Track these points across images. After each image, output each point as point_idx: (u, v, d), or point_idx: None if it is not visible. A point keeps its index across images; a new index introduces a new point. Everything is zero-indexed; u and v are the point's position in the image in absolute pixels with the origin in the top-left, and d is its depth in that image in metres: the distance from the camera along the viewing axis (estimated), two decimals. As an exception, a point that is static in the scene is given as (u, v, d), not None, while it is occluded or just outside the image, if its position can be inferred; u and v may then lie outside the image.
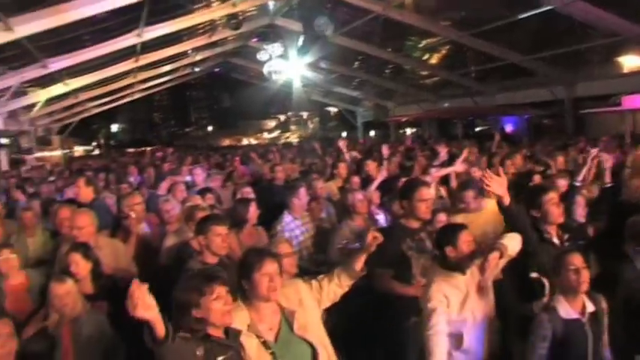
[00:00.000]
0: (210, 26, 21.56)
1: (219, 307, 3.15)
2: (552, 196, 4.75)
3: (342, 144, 11.52)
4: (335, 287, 3.92)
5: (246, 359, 3.35)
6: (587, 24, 15.31)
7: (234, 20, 18.94)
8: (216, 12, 18.74)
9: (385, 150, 9.84)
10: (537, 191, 4.91)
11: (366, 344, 5.43)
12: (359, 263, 3.91)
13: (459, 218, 5.92)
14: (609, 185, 6.95)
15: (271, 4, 20.33)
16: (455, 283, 4.14)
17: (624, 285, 4.53)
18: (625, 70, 17.66)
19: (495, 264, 4.05)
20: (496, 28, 16.93)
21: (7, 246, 5.46)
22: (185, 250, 5.12)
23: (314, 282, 3.95)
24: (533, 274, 4.36)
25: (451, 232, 4.25)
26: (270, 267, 3.51)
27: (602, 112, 19.46)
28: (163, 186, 9.02)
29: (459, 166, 7.95)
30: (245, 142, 72.70)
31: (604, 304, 4.05)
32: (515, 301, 4.61)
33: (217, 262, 4.64)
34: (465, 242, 4.15)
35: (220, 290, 3.17)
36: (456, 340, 4.10)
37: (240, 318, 3.44)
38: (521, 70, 20.18)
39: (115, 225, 6.74)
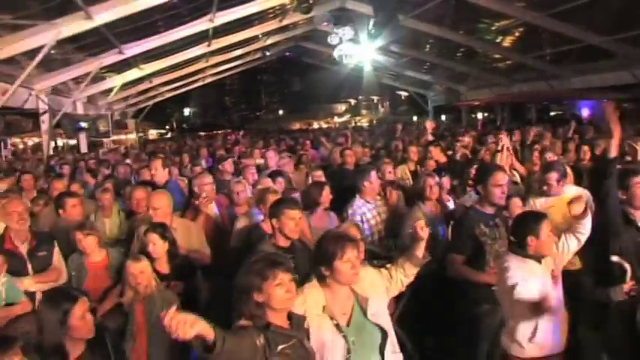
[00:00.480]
0: (281, 10, 21.62)
1: (281, 293, 3.12)
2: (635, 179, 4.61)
3: (429, 125, 11.55)
4: (401, 276, 3.93)
5: (316, 342, 3.36)
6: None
7: (304, 4, 18.94)
8: (287, -4, 18.80)
9: (467, 138, 9.76)
10: (626, 173, 4.80)
11: (435, 331, 5.38)
12: (419, 251, 3.91)
13: (538, 202, 5.81)
14: None
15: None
16: (531, 269, 4.03)
17: None
18: None
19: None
20: (573, 8, 16.19)
21: (88, 225, 5.62)
22: (256, 233, 5.17)
23: (384, 270, 3.95)
24: (615, 258, 4.23)
25: (534, 220, 4.10)
26: (351, 253, 3.49)
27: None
28: (226, 165, 9.18)
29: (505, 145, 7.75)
30: (315, 125, 73.02)
31: None
32: (592, 286, 4.47)
33: (289, 245, 4.67)
34: (546, 232, 4.02)
35: (283, 277, 3.14)
36: (530, 330, 3.98)
37: (315, 298, 3.48)
38: (601, 51, 19.31)
39: (185, 206, 6.91)
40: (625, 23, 16.98)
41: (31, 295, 5.16)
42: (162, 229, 5.11)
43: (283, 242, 4.65)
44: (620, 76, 19.83)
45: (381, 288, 3.80)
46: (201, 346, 2.75)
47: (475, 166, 7.37)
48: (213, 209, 6.81)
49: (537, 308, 3.84)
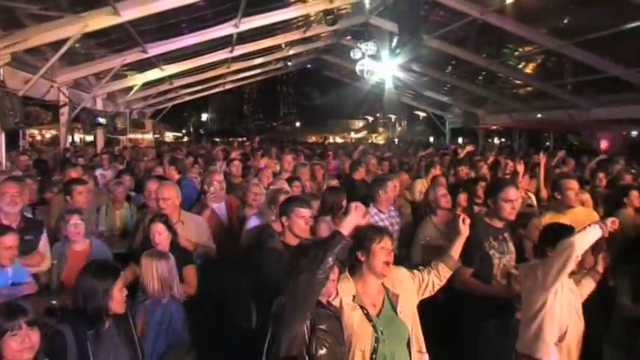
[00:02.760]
0: (305, 21, 21.70)
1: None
2: None
3: (468, 148, 11.96)
4: (434, 278, 4.02)
5: (346, 329, 3.46)
6: None
7: (330, 15, 18.97)
8: (313, 7, 18.77)
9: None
10: None
11: (440, 341, 5.34)
12: (456, 251, 4.06)
13: (544, 219, 5.75)
14: None
15: (367, 3, 20.20)
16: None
17: None
18: None
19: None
20: (598, 39, 16.03)
21: (78, 212, 5.61)
22: (266, 232, 5.17)
23: (416, 272, 4.04)
24: None
25: (558, 234, 4.16)
26: (388, 242, 3.67)
27: None
28: (232, 169, 9.24)
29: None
30: (331, 140, 73.09)
31: None
32: (630, 304, 4.43)
33: (298, 244, 4.63)
34: None
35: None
36: (560, 330, 4.08)
37: (346, 288, 3.60)
38: (623, 83, 19.18)
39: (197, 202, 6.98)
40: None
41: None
42: (167, 220, 5.17)
43: (292, 241, 4.65)
44: (640, 109, 19.61)
45: (411, 288, 3.90)
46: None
47: (482, 183, 7.38)
48: (221, 208, 6.85)
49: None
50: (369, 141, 61.17)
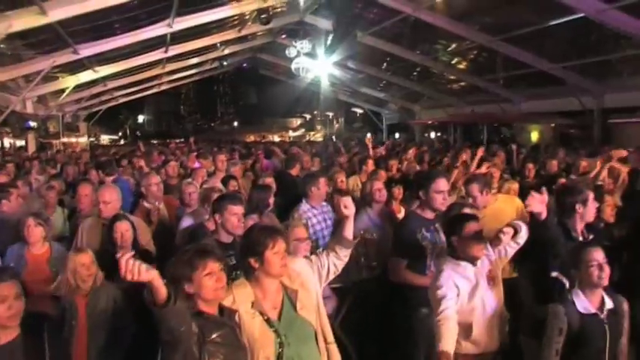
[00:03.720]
0: (240, 20, 21.60)
1: (211, 283, 3.15)
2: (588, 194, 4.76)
3: (368, 140, 11.97)
4: (334, 260, 3.92)
5: (248, 337, 3.33)
6: (621, 33, 14.95)
7: (264, 15, 18.94)
8: (247, 6, 18.72)
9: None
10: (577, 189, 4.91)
11: (379, 339, 5.42)
12: (347, 232, 3.92)
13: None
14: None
15: (301, 1, 20.23)
16: (464, 272, 4.16)
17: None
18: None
19: (508, 239, 4.15)
20: (526, 34, 16.71)
21: (37, 215, 5.53)
22: (200, 231, 5.17)
23: (314, 257, 3.97)
24: (554, 273, 4.34)
25: (457, 221, 4.26)
26: (282, 245, 3.49)
27: (631, 123, 19.10)
28: (169, 170, 9.19)
29: (483, 169, 7.94)
30: (269, 138, 72.96)
31: (625, 306, 4.01)
32: (531, 303, 4.58)
33: (232, 241, 4.67)
34: (471, 232, 4.15)
35: (213, 266, 3.17)
36: (465, 329, 4.09)
37: (243, 295, 3.43)
38: (550, 78, 19.86)
39: (134, 205, 6.89)
40: (573, 52, 17.61)
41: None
42: (128, 219, 5.15)
43: (225, 238, 4.67)
44: (568, 102, 20.35)
45: (311, 278, 3.79)
46: (152, 299, 2.81)
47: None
48: (162, 209, 6.79)
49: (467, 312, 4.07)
50: (306, 139, 61.30)
